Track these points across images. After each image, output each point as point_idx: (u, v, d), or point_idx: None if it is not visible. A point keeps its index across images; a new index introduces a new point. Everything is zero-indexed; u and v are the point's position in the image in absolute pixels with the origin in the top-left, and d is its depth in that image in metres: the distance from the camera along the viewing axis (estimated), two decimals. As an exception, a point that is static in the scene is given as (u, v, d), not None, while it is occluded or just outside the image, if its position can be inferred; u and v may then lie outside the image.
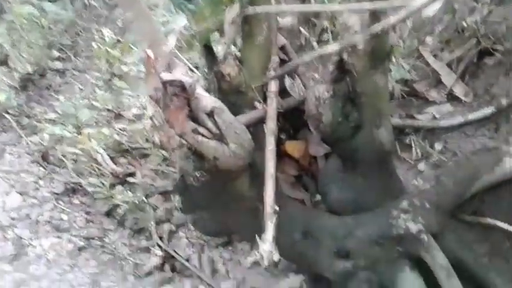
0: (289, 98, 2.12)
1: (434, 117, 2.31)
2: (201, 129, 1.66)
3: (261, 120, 1.99)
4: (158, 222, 3.04)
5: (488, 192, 2.00)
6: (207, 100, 1.65)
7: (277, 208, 1.72)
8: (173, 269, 2.89)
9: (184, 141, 1.68)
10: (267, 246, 1.65)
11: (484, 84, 2.41)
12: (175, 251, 2.93)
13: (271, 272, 2.70)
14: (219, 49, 2.07)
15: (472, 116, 2.25)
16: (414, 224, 1.77)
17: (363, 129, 1.83)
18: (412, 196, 1.85)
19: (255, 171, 1.96)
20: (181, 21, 2.02)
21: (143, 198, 3.09)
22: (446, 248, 1.83)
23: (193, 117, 1.66)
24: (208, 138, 1.66)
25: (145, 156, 3.25)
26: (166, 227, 3.00)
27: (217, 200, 1.99)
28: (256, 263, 2.87)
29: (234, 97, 1.96)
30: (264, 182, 1.93)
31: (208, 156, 1.69)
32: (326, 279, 2.05)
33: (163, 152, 3.17)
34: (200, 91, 1.66)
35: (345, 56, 1.75)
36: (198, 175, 1.86)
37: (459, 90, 2.45)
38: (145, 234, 3.03)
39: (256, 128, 1.97)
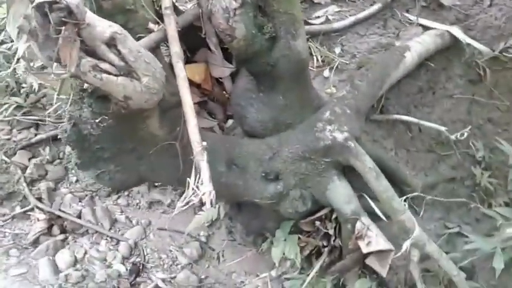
0: (183, 13, 1.81)
1: (328, 20, 2.24)
2: (103, 65, 1.30)
3: (159, 44, 1.69)
4: (32, 182, 2.59)
5: (390, 90, 2.07)
6: (103, 25, 1.29)
7: (205, 144, 1.51)
8: (63, 231, 2.54)
9: (83, 83, 1.31)
10: (206, 187, 1.47)
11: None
12: (60, 210, 2.55)
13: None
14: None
15: (361, 15, 2.23)
16: (340, 133, 1.74)
17: (279, 40, 1.66)
18: (333, 105, 1.80)
19: (161, 106, 1.68)
20: None
21: (3, 157, 2.57)
22: (364, 148, 1.86)
23: (89, 51, 1.29)
24: (113, 74, 1.32)
25: (-8, 105, 2.64)
26: (43, 185, 2.57)
27: (123, 147, 1.68)
28: (158, 203, 2.67)
29: (121, 18, 1.58)
30: (175, 116, 1.70)
31: (117, 97, 1.37)
32: (251, 204, 1.97)
33: (16, 98, 2.60)
34: (90, 14, 1.28)
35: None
36: (98, 121, 1.52)
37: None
38: (18, 198, 2.56)
39: (154, 53, 1.66)
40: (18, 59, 1.98)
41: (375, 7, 2.24)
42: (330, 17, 2.24)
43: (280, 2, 1.61)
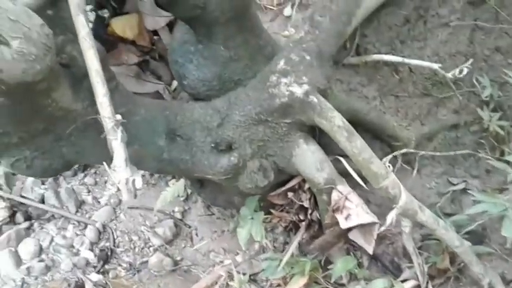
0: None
1: None
2: None
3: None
4: (-19, 169, 2.34)
5: (367, 24, 1.68)
6: None
7: (119, 118, 1.20)
8: (28, 217, 2.33)
9: None
10: (121, 175, 1.17)
11: None
12: (22, 196, 2.33)
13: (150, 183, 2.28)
14: None
15: None
16: (298, 86, 1.39)
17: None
18: (288, 51, 1.43)
19: (74, 73, 1.36)
20: None
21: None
22: (336, 101, 1.51)
23: None
24: (-35, 41, 1.00)
25: None
26: (-1, 170, 2.32)
27: (33, 128, 1.38)
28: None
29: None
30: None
31: (-20, 70, 1.05)
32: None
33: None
34: None
35: None
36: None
37: None
38: (-28, 188, 2.33)
39: (56, 7, 1.32)
40: None
41: None
42: None
43: None
